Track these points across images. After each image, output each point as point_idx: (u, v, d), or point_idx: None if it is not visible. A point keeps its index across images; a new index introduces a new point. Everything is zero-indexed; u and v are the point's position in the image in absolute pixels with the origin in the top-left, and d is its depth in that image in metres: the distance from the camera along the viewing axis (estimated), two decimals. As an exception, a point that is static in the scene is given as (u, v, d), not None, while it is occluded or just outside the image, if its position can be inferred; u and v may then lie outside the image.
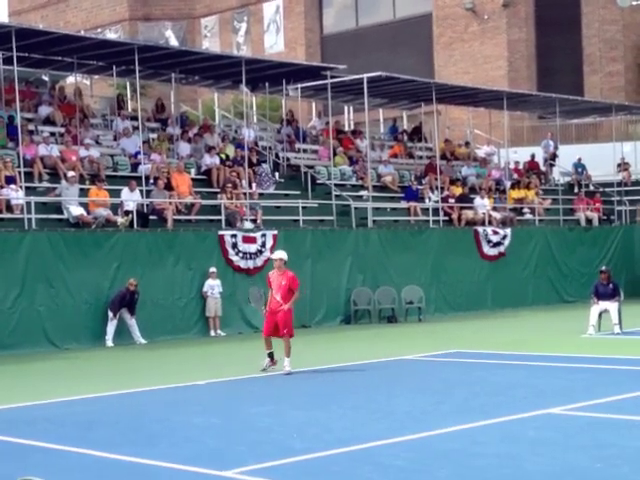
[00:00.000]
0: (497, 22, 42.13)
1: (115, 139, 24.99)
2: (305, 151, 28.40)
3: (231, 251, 21.64)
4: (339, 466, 8.00)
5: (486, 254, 26.86)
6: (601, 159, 32.86)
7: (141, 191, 21.63)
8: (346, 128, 32.94)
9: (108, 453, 8.70)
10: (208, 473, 7.85)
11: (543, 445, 8.59)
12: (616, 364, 14.54)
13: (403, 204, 27.02)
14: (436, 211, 26.90)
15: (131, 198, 21.28)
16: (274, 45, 48.66)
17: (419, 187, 28.02)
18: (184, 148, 25.22)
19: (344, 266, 23.71)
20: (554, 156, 34.08)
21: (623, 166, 33.36)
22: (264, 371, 14.22)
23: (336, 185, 25.71)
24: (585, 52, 41.51)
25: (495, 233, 27.11)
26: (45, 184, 21.34)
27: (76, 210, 20.36)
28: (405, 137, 32.51)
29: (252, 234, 22.10)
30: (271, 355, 14.37)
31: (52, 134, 23.39)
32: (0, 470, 8.16)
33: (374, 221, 25.34)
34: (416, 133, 33.09)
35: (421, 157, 31.42)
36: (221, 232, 21.69)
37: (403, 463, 8.05)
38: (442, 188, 27.99)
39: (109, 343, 19.34)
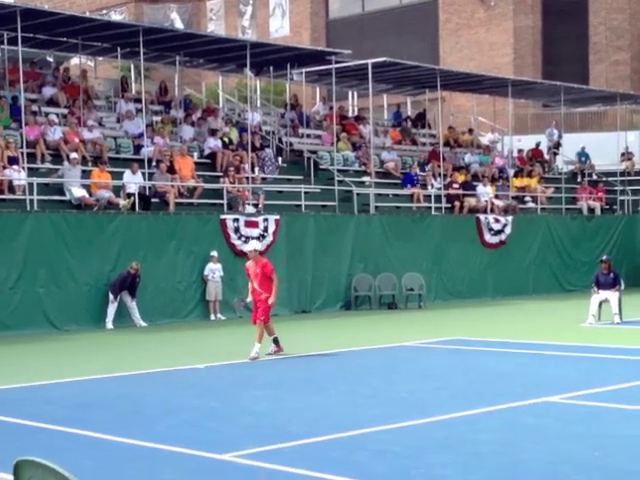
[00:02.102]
0: (503, 9, 41.96)
1: (118, 121, 24.95)
2: (308, 136, 28.35)
3: (233, 235, 21.64)
4: (336, 451, 8.02)
5: (487, 242, 26.85)
6: (605, 148, 32.79)
7: (143, 174, 21.62)
8: (350, 114, 32.87)
9: (107, 435, 8.72)
10: (206, 456, 7.87)
11: (541, 433, 8.60)
12: (616, 354, 14.55)
13: (405, 190, 26.99)
14: (438, 198, 26.87)
15: (133, 180, 21.26)
16: (279, 29, 48.51)
17: (421, 173, 28.00)
18: (187, 131, 25.18)
19: (345, 252, 23.71)
20: (558, 144, 34.00)
21: (627, 155, 33.29)
22: (268, 355, 14.29)
23: (339, 171, 25.69)
24: (591, 40, 41.36)
25: (497, 221, 27.08)
26: (48, 165, 21.35)
27: (78, 192, 20.36)
28: (409, 123, 32.44)
29: (254, 218, 22.09)
30: (276, 341, 14.45)
31: (56, 115, 23.36)
32: (-2, 450, 8.20)
33: (376, 207, 25.32)
34: (420, 119, 33.01)
35: (424, 144, 31.36)
36: (223, 216, 21.68)
37: (400, 449, 8.06)
38: (445, 175, 27.96)
39: (109, 325, 19.38)
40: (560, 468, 7.37)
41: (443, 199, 26.92)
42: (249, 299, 14.59)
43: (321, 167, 26.21)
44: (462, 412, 9.63)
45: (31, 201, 19.46)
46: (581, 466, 7.44)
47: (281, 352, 14.43)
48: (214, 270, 21.03)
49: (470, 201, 27.39)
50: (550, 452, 7.86)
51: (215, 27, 49.54)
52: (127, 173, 21.34)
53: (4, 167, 19.89)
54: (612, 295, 18.86)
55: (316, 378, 12.51)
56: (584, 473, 7.22)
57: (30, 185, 19.62)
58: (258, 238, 21.63)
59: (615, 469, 7.31)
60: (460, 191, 27.39)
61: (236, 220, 21.76)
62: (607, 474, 7.19)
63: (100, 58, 28.65)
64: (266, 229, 22.11)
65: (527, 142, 33.71)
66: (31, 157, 20.89)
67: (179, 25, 48.46)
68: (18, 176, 19.86)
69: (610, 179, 32.68)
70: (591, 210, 30.84)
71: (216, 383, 12.22)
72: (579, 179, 32.69)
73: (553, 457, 7.71)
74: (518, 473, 7.25)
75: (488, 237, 26.87)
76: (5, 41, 23.32)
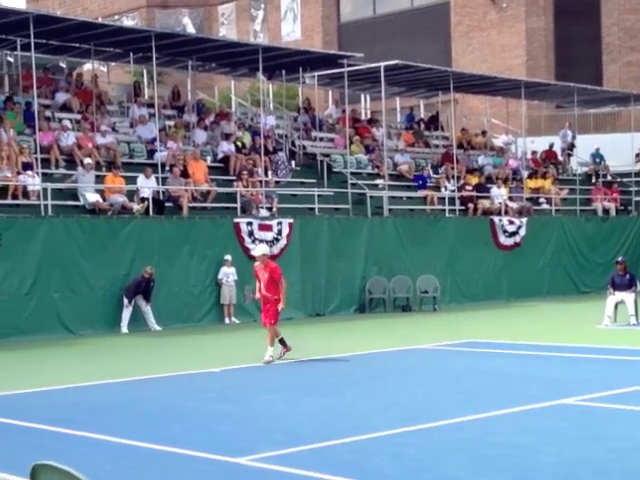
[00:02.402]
0: (516, 10, 41.86)
1: (131, 126, 25.03)
2: (321, 139, 28.36)
3: (247, 239, 21.65)
4: (351, 454, 8.00)
5: (502, 244, 26.76)
6: (619, 149, 32.66)
7: (157, 178, 21.67)
8: (362, 117, 32.86)
9: (122, 439, 8.73)
10: (221, 459, 7.87)
11: (556, 436, 8.56)
12: (632, 355, 14.47)
13: (419, 193, 26.95)
14: (452, 200, 26.82)
15: (147, 185, 21.32)
16: (291, 33, 48.55)
17: (434, 176, 27.97)
18: (200, 135, 25.23)
19: (359, 255, 23.68)
20: (572, 146, 33.88)
21: (641, 156, 33.15)
22: (280, 359, 14.27)
23: (352, 174, 25.66)
24: (604, 41, 41.20)
25: (511, 223, 27.01)
26: (62, 170, 21.43)
27: (92, 197, 20.42)
28: (422, 126, 32.41)
29: (268, 222, 22.11)
30: (282, 342, 14.42)
31: (69, 120, 23.45)
32: (15, 454, 8.22)
33: (390, 210, 25.29)
34: (433, 122, 32.97)
35: (438, 146, 31.32)
36: (237, 220, 21.70)
37: (416, 452, 8.04)
38: (459, 177, 27.90)
39: (124, 330, 19.41)
40: (576, 471, 7.34)
41: (457, 201, 26.86)
42: (257, 296, 14.56)
43: (334, 170, 26.20)
44: (477, 415, 9.60)
45: (45, 206, 19.53)
46: (597, 469, 7.39)
47: (290, 351, 14.35)
48: (228, 274, 21.05)
49: (484, 203, 27.32)
50: (566, 455, 7.83)
51: (227, 31, 49.65)
52: (141, 178, 21.38)
53: (18, 173, 19.97)
54: (628, 296, 18.76)
55: (331, 381, 12.49)
56: (600, 476, 7.18)
57: (44, 190, 19.69)
58: (272, 242, 21.66)
59: (632, 472, 7.26)
60: (474, 193, 27.33)
61: (250, 224, 21.78)
62: (624, 477, 7.14)
63: (113, 63, 28.72)
64: (280, 232, 22.12)
65: (541, 144, 33.61)
66: (45, 162, 20.97)
67: (191, 30, 48.56)
68: (32, 181, 19.94)
69: (625, 180, 32.54)
70: (606, 211, 30.71)
71: (231, 387, 12.22)
72: (593, 180, 32.56)
73: (569, 460, 7.67)
74: (534, 476, 7.22)
75: (502, 239, 26.79)
76: (18, 47, 23.45)
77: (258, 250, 14.70)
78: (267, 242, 21.82)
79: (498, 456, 7.82)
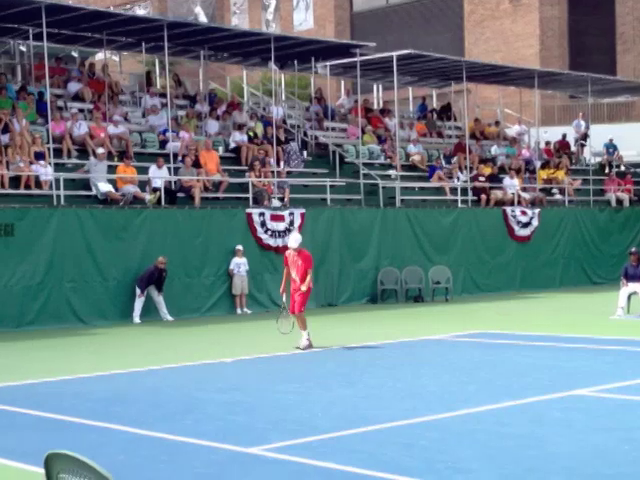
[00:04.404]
0: (529, 0, 41.65)
1: (143, 116, 25.02)
2: (333, 129, 28.29)
3: (260, 229, 21.64)
4: (363, 445, 7.99)
5: (515, 234, 26.68)
6: (633, 139, 32.52)
7: (169, 168, 21.67)
8: (375, 106, 32.76)
9: (134, 428, 8.75)
10: (233, 449, 7.87)
11: (569, 426, 8.54)
12: (645, 346, 14.41)
13: (432, 183, 26.88)
14: (465, 191, 26.74)
15: (159, 175, 21.32)
16: (303, 22, 48.47)
17: (447, 166, 27.87)
18: (212, 126, 25.21)
19: (371, 245, 23.65)
20: (585, 136, 33.73)
21: (655, 147, 32.99)
22: (298, 349, 14.35)
23: (364, 164, 25.61)
24: (618, 31, 41.00)
25: (524, 213, 26.91)
26: (74, 160, 21.45)
27: (104, 187, 20.45)
28: (434, 116, 32.30)
29: (280, 212, 22.09)
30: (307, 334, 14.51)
31: (81, 110, 23.48)
32: (29, 444, 8.24)
33: (402, 200, 25.23)
34: (445, 111, 32.85)
35: (450, 136, 31.21)
36: (249, 210, 21.69)
37: (428, 443, 8.03)
38: (471, 168, 27.81)
39: (136, 320, 19.45)
40: (589, 461, 7.32)
41: (469, 192, 26.78)
42: (282, 289, 14.82)
43: (346, 160, 26.15)
44: (490, 405, 9.58)
45: (58, 196, 19.56)
46: (610, 459, 7.36)
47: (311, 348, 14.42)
48: (240, 264, 21.04)
49: (497, 194, 27.23)
50: (578, 445, 7.80)
51: (239, 21, 49.63)
52: (153, 168, 21.39)
53: (31, 162, 20.01)
54: (641, 288, 18.68)
55: (343, 372, 12.48)
56: (613, 466, 7.15)
57: (57, 180, 19.72)
58: (284, 232, 21.63)
59: (646, 463, 7.23)
60: (486, 184, 27.24)
61: (262, 214, 21.76)
62: (637, 467, 7.11)
63: (125, 53, 28.69)
64: (292, 223, 22.10)
65: (554, 134, 33.47)
66: (57, 152, 20.99)
67: (203, 19, 48.54)
68: (45, 171, 19.97)
69: (638, 170, 32.36)
70: (619, 202, 30.57)
71: (243, 377, 12.23)
72: (607, 170, 32.41)
73: (582, 450, 7.65)
74: (546, 467, 7.19)
75: (516, 229, 26.70)
76: (30, 37, 23.44)
77: (294, 241, 14.78)
78: (279, 233, 21.83)
79: (511, 447, 7.80)
